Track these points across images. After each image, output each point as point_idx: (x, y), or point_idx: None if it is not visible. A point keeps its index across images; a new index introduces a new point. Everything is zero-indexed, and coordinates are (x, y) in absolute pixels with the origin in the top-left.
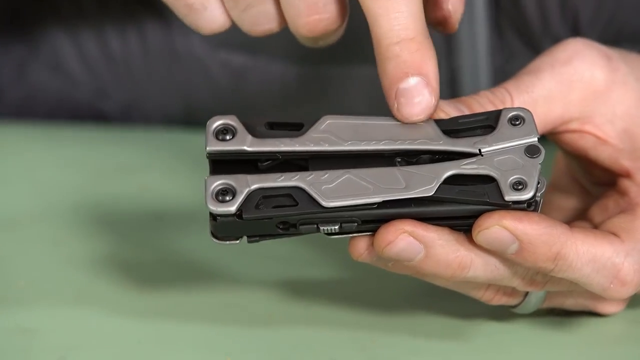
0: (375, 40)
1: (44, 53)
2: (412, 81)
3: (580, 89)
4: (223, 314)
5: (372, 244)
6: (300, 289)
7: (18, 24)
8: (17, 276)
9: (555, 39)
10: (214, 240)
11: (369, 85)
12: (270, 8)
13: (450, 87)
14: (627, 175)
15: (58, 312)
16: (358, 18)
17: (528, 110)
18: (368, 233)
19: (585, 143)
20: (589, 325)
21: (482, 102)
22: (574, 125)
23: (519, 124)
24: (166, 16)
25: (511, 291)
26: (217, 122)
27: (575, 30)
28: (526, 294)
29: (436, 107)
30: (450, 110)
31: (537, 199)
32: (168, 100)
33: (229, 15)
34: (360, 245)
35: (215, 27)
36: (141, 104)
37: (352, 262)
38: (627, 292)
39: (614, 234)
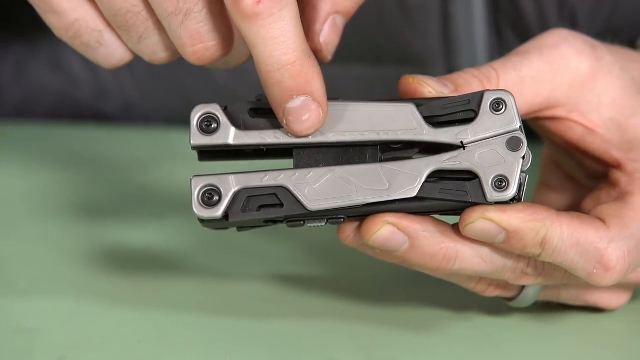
0: (257, 66)
1: (44, 52)
2: (298, 101)
3: (567, 73)
4: (223, 314)
5: (359, 229)
6: (300, 289)
7: (17, 22)
8: (17, 276)
9: None
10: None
11: (367, 86)
12: (160, 39)
13: None
14: (618, 166)
15: (58, 312)
16: (355, 18)
17: (510, 94)
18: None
19: (574, 134)
20: (587, 323)
21: (467, 78)
22: (560, 113)
23: (500, 110)
24: None
25: (505, 284)
26: (200, 112)
27: (573, 29)
28: (522, 287)
29: (325, 119)
30: (435, 86)
31: (521, 194)
32: (169, 100)
33: (128, 48)
34: (347, 228)
35: (115, 61)
36: (142, 103)
37: (352, 261)
38: (612, 278)
39: (601, 220)
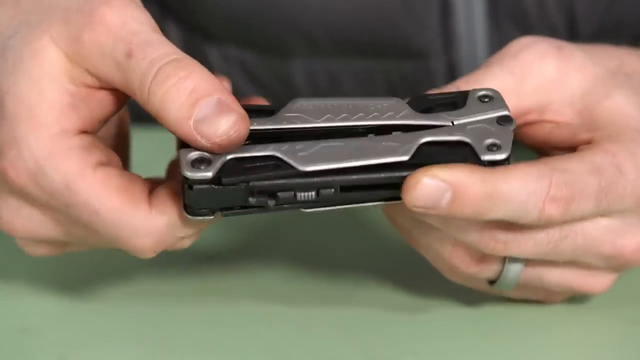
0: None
1: None
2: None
3: (531, 79)
4: (222, 314)
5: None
6: (299, 289)
7: None
8: (17, 276)
9: (552, 30)
10: (188, 216)
11: (367, 79)
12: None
13: (448, 81)
14: (589, 142)
15: (58, 311)
16: (356, 11)
17: (496, 90)
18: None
19: (544, 131)
20: (586, 323)
21: None
22: (532, 117)
23: (488, 101)
24: (166, 11)
25: (481, 256)
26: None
27: (572, 21)
28: (503, 265)
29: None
30: None
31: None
32: None
33: None
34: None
35: None
36: None
37: (351, 262)
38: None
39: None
